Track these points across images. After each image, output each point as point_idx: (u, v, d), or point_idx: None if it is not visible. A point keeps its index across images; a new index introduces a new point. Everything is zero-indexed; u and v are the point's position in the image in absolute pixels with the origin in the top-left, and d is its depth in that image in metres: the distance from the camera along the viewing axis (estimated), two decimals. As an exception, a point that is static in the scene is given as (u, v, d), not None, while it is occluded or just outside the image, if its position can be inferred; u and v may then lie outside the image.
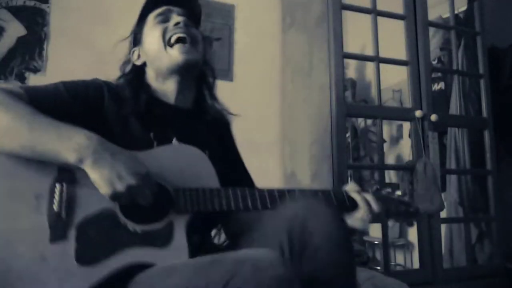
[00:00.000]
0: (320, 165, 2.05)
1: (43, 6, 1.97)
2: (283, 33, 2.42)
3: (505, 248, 2.25)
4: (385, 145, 3.20)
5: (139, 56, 1.07)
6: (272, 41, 2.41)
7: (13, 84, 1.84)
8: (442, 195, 2.18)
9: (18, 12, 1.92)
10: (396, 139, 3.44)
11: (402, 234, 3.29)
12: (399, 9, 2.23)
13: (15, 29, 1.91)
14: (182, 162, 0.92)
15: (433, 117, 2.13)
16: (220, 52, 2.25)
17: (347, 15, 2.63)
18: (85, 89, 0.95)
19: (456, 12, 2.46)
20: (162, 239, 0.82)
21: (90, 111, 0.93)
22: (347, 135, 3.26)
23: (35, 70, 1.91)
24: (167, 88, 1.04)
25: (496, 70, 2.57)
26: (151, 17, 1.05)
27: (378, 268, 2.36)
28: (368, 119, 3.25)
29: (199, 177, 0.91)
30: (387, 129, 3.43)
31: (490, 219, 2.32)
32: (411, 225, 2.33)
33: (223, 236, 1.12)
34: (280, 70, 2.40)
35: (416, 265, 2.49)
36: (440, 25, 2.61)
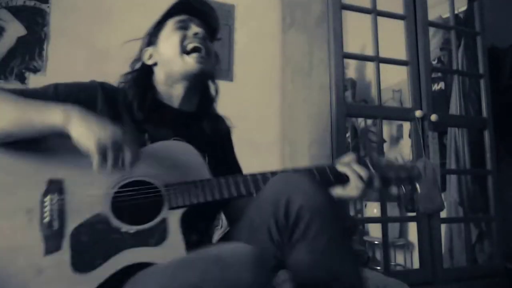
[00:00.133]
0: (320, 165, 2.05)
1: (43, 6, 1.97)
2: (283, 33, 2.41)
3: (505, 248, 2.25)
4: (385, 145, 3.20)
5: (150, 56, 1.09)
6: (272, 41, 2.41)
7: (13, 84, 1.85)
8: (442, 195, 2.17)
9: (18, 12, 1.92)
10: (396, 139, 3.44)
11: (402, 234, 3.30)
12: (399, 9, 2.23)
13: (15, 29, 1.91)
14: (171, 157, 0.92)
15: (433, 117, 2.13)
16: (220, 52, 2.25)
17: (347, 15, 2.63)
18: (77, 92, 0.96)
19: (456, 12, 2.46)
20: (156, 237, 0.82)
21: None
22: (347, 135, 3.26)
23: (35, 70, 1.91)
24: (174, 92, 1.06)
25: (496, 70, 2.57)
26: (170, 23, 1.08)
27: (378, 268, 2.37)
28: (368, 119, 3.25)
29: (189, 170, 0.91)
30: (387, 129, 3.43)
31: (490, 219, 2.32)
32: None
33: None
34: (280, 70, 2.40)
35: (416, 265, 2.49)
36: (440, 25, 2.61)
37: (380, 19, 2.15)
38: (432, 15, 2.36)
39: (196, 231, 0.92)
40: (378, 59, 2.14)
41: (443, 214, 2.25)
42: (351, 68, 3.73)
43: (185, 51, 1.03)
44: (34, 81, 1.87)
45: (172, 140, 0.97)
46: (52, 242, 0.78)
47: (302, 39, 2.26)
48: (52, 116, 0.81)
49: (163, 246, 0.82)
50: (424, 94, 2.17)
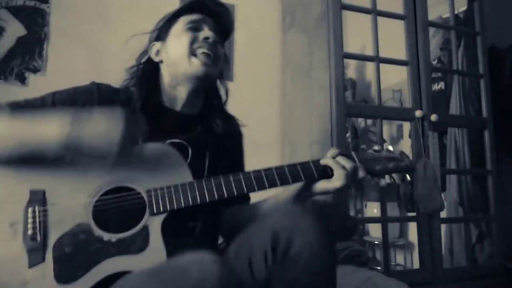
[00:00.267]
0: (320, 165, 2.05)
1: (43, 6, 1.97)
2: (283, 33, 2.42)
3: (505, 248, 2.25)
4: (385, 145, 3.20)
5: (157, 52, 1.07)
6: (272, 41, 2.41)
7: (13, 84, 1.84)
8: (442, 195, 2.17)
9: (18, 12, 1.92)
10: (396, 139, 3.44)
11: (402, 234, 3.30)
12: (399, 9, 2.24)
13: (15, 29, 1.91)
14: (152, 161, 0.89)
15: (433, 117, 2.13)
16: (220, 52, 2.25)
17: (347, 15, 2.64)
18: (73, 96, 0.96)
19: (456, 12, 2.46)
20: (138, 245, 0.81)
21: None
22: (347, 135, 3.26)
23: (35, 70, 1.91)
24: (177, 94, 1.04)
25: (496, 70, 2.57)
26: (182, 20, 1.05)
27: (378, 268, 2.36)
28: (368, 119, 3.25)
29: (171, 174, 0.89)
30: (387, 129, 3.43)
31: (490, 219, 2.32)
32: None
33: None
34: (280, 70, 2.40)
35: (416, 265, 2.49)
36: (440, 25, 2.61)
37: (380, 19, 2.15)
38: (432, 15, 2.36)
39: (185, 233, 0.91)
40: (378, 59, 2.14)
41: (443, 214, 2.26)
42: (351, 68, 3.73)
43: (193, 54, 1.01)
44: (34, 81, 1.87)
45: (164, 143, 0.94)
46: (35, 254, 0.78)
47: (302, 39, 2.26)
48: (48, 128, 0.80)
49: (144, 253, 0.80)
50: (424, 94, 2.17)
